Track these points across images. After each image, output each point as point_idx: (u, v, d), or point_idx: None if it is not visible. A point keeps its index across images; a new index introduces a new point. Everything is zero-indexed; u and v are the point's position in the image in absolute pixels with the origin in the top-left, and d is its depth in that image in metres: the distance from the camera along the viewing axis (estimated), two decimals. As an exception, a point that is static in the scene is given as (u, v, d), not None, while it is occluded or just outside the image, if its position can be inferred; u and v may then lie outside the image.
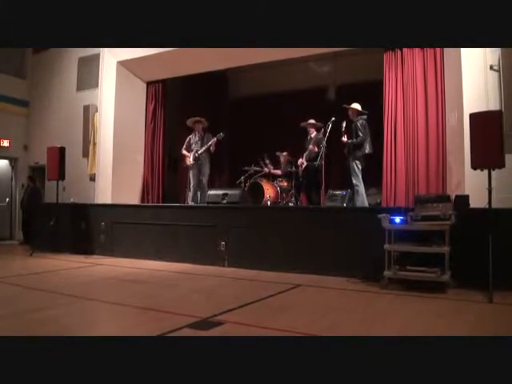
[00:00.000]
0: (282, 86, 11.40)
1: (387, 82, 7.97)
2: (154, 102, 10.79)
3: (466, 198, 5.79)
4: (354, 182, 7.47)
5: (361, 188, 7.48)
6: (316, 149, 8.27)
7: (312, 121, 8.75)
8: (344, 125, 7.54)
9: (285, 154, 9.40)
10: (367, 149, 7.49)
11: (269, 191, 8.98)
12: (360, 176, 7.51)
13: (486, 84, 6.67)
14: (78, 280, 6.14)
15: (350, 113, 7.77)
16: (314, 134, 8.69)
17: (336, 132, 7.74)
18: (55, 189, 8.98)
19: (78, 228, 8.87)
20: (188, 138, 9.29)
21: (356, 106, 7.75)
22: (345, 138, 7.53)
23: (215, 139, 8.87)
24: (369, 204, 7.80)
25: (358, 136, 7.47)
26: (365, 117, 7.63)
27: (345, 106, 7.82)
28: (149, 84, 10.88)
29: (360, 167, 7.52)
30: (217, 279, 6.32)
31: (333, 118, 7.74)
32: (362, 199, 7.49)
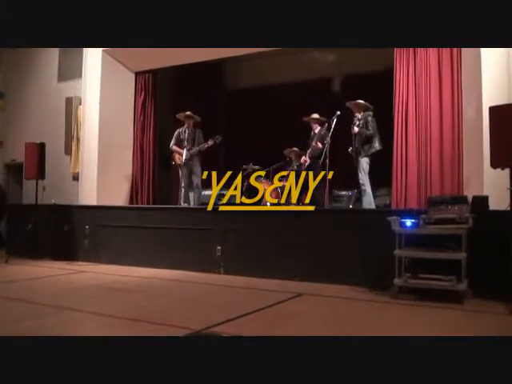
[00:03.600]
0: (282, 77, 11.35)
1: (398, 73, 7.94)
2: (143, 94, 10.75)
3: (484, 199, 5.75)
4: (361, 181, 7.45)
5: (368, 188, 7.46)
6: (320, 145, 8.25)
7: (316, 115, 8.71)
8: (359, 115, 7.52)
9: (295, 149, 9.32)
10: (377, 145, 7.47)
11: (268, 192, 8.95)
12: (367, 174, 7.49)
13: (508, 73, 6.63)
14: (59, 288, 6.10)
15: (355, 110, 7.73)
16: (317, 129, 8.66)
17: (342, 127, 7.72)
18: (34, 189, 8.94)
19: (60, 232, 8.81)
20: (177, 133, 9.21)
21: (361, 101, 7.73)
22: (356, 128, 7.50)
23: (212, 142, 8.83)
24: (377, 205, 7.77)
25: (367, 130, 7.46)
26: (371, 112, 7.61)
27: (348, 104, 7.80)
28: (138, 74, 10.84)
29: (368, 166, 7.50)
30: (212, 287, 6.30)
31: (338, 112, 7.68)
32: (370, 200, 7.46)
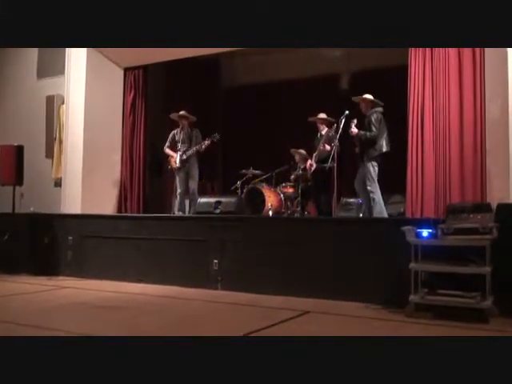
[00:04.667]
0: (285, 73, 11.36)
1: (413, 67, 7.89)
2: (133, 92, 10.73)
3: (510, 206, 5.71)
4: (369, 187, 7.40)
5: (377, 195, 7.41)
6: (327, 148, 8.22)
7: (323, 115, 8.70)
8: (355, 122, 7.50)
9: (301, 151, 9.29)
10: (384, 147, 7.43)
11: (270, 199, 8.93)
12: (376, 180, 7.45)
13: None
14: (38, 307, 6.02)
15: (362, 106, 7.73)
16: (325, 130, 8.65)
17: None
18: (11, 196, 8.89)
19: (40, 244, 8.74)
20: (172, 134, 9.26)
21: (368, 97, 7.70)
22: (355, 129, 7.45)
23: (208, 142, 8.83)
24: (391, 214, 7.73)
25: (371, 131, 7.42)
26: (380, 109, 7.58)
27: (354, 98, 7.78)
28: (127, 70, 10.81)
29: (376, 169, 7.46)
30: (208, 305, 6.25)
31: (346, 112, 7.70)
32: (380, 209, 7.41)
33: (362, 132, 7.43)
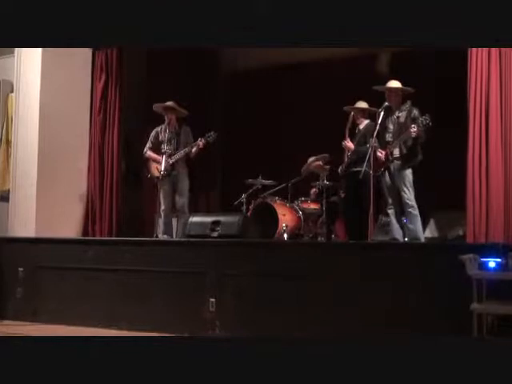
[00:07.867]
0: (304, 55, 11.36)
1: (474, 57, 7.91)
2: (104, 78, 10.75)
3: None
4: (409, 201, 7.55)
5: (417, 210, 7.57)
6: (352, 145, 8.27)
7: (363, 104, 8.69)
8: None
9: (312, 159, 9.27)
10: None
11: (285, 217, 8.93)
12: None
13: None
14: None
15: (390, 96, 7.82)
16: (364, 124, 8.63)
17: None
18: None
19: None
20: (154, 132, 9.30)
21: (396, 84, 7.77)
22: (414, 128, 7.43)
23: (202, 142, 8.85)
24: (445, 237, 7.74)
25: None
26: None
27: (378, 87, 7.90)
28: (96, 50, 10.87)
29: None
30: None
31: (385, 104, 7.76)
32: (420, 228, 7.62)
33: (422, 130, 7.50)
